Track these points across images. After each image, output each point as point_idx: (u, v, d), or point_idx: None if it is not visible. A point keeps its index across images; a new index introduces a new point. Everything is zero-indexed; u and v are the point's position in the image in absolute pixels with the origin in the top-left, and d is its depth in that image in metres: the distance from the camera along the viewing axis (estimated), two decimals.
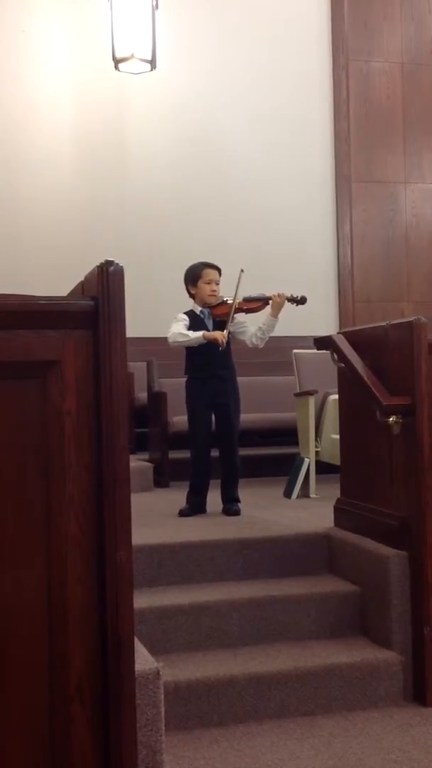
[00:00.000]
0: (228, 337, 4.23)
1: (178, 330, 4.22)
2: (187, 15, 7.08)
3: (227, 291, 4.34)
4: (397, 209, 7.60)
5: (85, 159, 6.93)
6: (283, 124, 7.30)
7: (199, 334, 4.19)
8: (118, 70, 6.66)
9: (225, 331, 4.20)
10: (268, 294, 4.35)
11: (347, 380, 3.54)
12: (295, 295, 4.41)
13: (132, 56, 6.52)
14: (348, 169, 7.46)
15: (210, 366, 4.27)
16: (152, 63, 6.59)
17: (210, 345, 4.20)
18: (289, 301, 4.39)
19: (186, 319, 4.28)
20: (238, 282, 4.23)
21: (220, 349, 4.16)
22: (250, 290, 4.35)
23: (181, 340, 4.21)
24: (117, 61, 6.58)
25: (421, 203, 7.65)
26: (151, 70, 6.65)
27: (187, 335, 4.20)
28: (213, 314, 4.32)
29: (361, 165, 7.49)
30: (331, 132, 7.44)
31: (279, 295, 4.31)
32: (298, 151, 7.34)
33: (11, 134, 6.79)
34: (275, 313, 4.31)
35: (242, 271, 4.20)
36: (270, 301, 4.34)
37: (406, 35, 7.63)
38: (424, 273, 7.63)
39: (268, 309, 4.36)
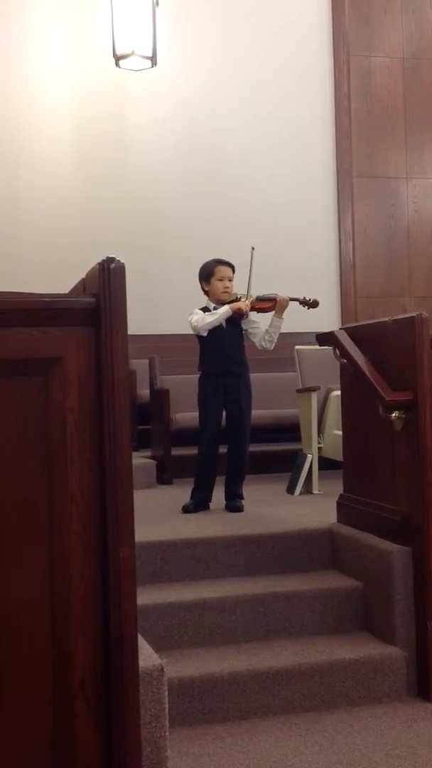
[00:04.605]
0: (242, 334, 4.33)
1: (203, 315, 4.27)
2: (187, 11, 7.08)
3: (240, 278, 4.32)
4: (399, 204, 7.59)
5: (86, 156, 6.92)
6: (284, 120, 7.30)
7: (226, 307, 4.24)
8: (119, 67, 6.65)
9: (247, 300, 4.25)
10: (280, 295, 4.39)
11: (349, 376, 3.54)
12: (307, 298, 4.47)
13: (132, 53, 6.51)
14: (349, 165, 7.45)
15: (223, 362, 4.30)
16: (153, 60, 6.58)
17: (222, 340, 4.24)
18: (301, 304, 4.51)
19: (202, 314, 4.32)
20: (251, 261, 4.25)
21: (246, 318, 4.25)
22: (258, 287, 4.36)
23: (210, 320, 4.24)
24: (117, 58, 6.57)
25: (423, 198, 7.65)
26: (152, 66, 6.64)
27: (215, 314, 4.25)
28: None
29: (362, 160, 7.49)
30: (332, 127, 7.43)
31: (283, 298, 4.36)
32: (299, 146, 7.33)
33: (11, 132, 6.79)
34: (279, 314, 4.37)
35: (253, 248, 4.22)
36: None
37: (407, 30, 7.62)
38: (426, 268, 7.63)
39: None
